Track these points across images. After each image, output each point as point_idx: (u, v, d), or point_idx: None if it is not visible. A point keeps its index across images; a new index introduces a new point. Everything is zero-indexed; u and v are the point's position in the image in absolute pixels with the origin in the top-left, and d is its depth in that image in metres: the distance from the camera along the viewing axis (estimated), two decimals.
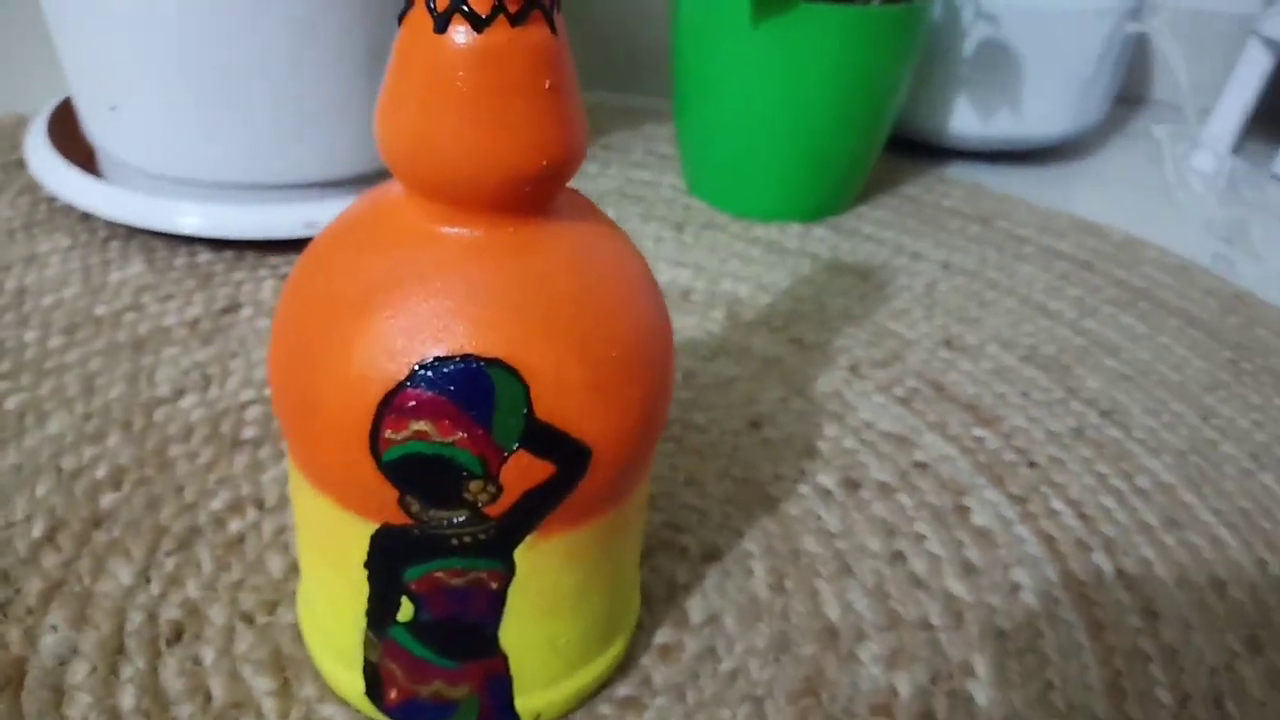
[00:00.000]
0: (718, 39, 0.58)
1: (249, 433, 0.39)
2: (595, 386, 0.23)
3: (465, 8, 0.21)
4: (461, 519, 0.24)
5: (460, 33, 0.21)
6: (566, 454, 0.23)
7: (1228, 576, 0.38)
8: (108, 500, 0.35)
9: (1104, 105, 0.74)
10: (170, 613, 0.32)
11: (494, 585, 0.25)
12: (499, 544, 0.24)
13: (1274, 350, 0.54)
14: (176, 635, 0.31)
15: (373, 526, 0.24)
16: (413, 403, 0.22)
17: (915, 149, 0.75)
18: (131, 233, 0.51)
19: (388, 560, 0.25)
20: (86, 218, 0.52)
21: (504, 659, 0.27)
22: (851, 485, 0.41)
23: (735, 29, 0.56)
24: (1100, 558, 0.38)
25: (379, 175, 0.54)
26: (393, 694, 0.28)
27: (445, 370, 0.22)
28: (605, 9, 0.80)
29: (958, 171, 0.73)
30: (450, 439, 0.22)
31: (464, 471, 0.23)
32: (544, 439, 0.23)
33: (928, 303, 0.55)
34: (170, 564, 0.33)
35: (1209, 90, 0.79)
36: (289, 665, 0.30)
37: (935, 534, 0.39)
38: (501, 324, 0.22)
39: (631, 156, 0.70)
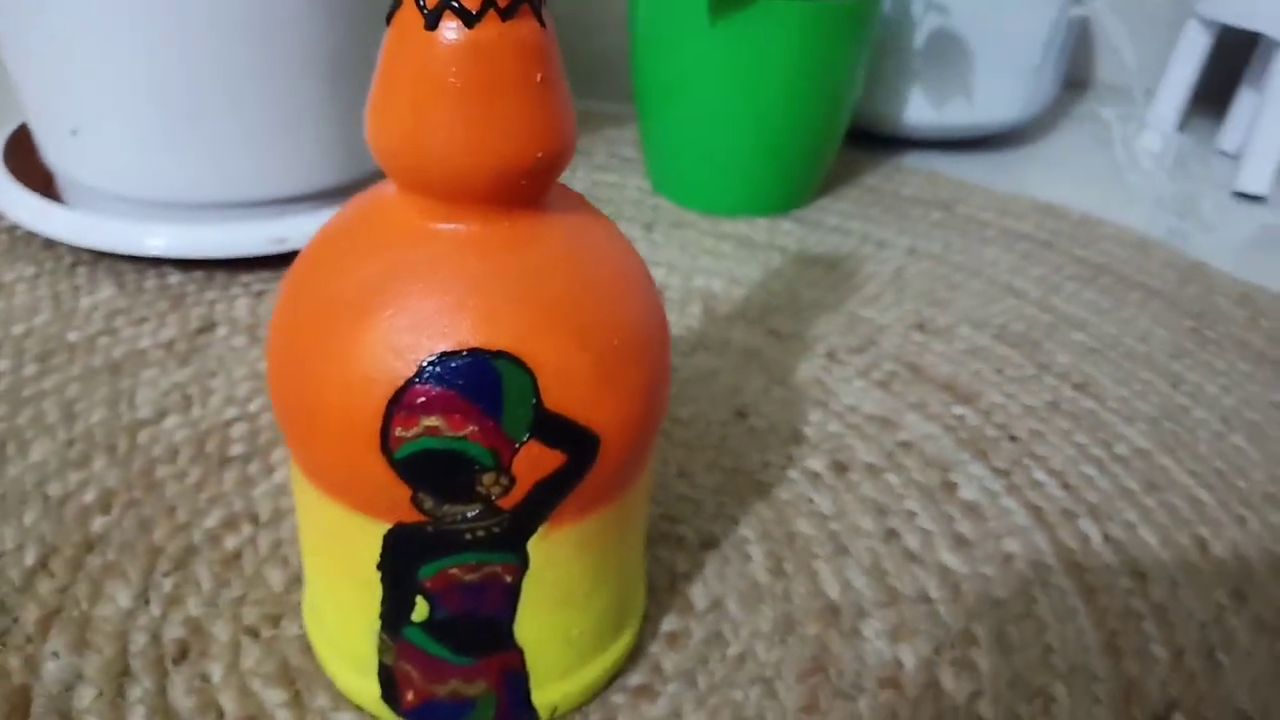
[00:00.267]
0: (677, 39, 0.59)
1: (236, 450, 0.39)
2: (600, 374, 0.24)
3: (455, 4, 0.21)
4: (474, 513, 0.24)
5: (451, 29, 0.21)
6: (576, 442, 0.24)
7: (1209, 534, 0.39)
8: (98, 524, 0.35)
9: (1052, 90, 0.76)
10: (173, 632, 0.31)
11: (508, 578, 0.25)
12: (512, 536, 0.25)
13: (1233, 317, 0.56)
14: (182, 654, 0.31)
15: (385, 527, 0.24)
16: (422, 399, 0.22)
17: (872, 141, 0.76)
18: (98, 257, 0.51)
19: (401, 560, 0.25)
20: (50, 244, 0.51)
21: (520, 653, 0.27)
22: (840, 468, 0.41)
23: (694, 29, 0.57)
24: (1086, 524, 0.39)
25: (346, 188, 0.53)
26: (409, 696, 0.28)
27: (453, 365, 0.22)
28: (563, 16, 0.81)
29: (914, 160, 0.75)
30: (462, 433, 0.22)
31: (476, 465, 0.23)
32: (553, 428, 0.23)
33: (897, 288, 0.56)
34: (168, 584, 0.33)
35: (1151, 71, 0.81)
36: (299, 677, 0.30)
37: (925, 510, 0.39)
38: (505, 316, 0.23)
39: (595, 160, 0.70)
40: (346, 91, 0.50)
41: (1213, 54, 0.79)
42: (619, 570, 0.28)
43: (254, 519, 0.36)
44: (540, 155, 0.23)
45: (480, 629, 0.26)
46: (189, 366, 0.43)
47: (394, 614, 0.26)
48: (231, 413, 0.41)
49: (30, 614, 0.31)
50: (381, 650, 0.27)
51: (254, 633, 0.32)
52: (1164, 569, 0.38)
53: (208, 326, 0.46)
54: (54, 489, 0.36)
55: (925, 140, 0.76)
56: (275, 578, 0.34)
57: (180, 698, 0.29)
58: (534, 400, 0.23)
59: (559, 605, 0.27)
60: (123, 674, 0.30)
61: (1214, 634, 0.35)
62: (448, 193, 0.23)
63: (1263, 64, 0.75)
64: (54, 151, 0.51)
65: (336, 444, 0.23)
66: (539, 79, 0.22)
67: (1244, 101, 0.77)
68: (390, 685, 0.28)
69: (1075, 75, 0.92)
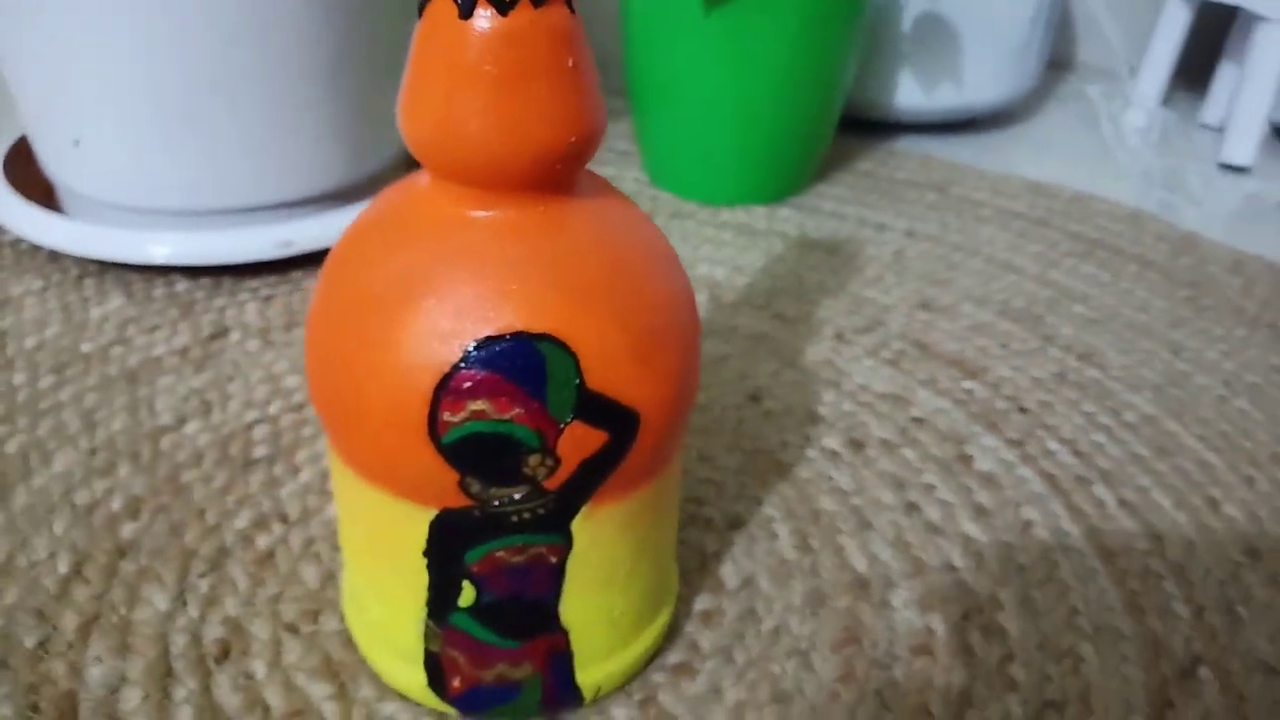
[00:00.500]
0: (670, 33, 0.59)
1: (260, 451, 0.39)
2: (638, 354, 0.24)
3: None
4: (521, 495, 0.24)
5: (484, 17, 0.21)
6: (617, 421, 0.24)
7: (1220, 495, 0.40)
8: (128, 530, 0.35)
9: (1038, 70, 0.77)
10: (214, 632, 0.31)
11: (553, 559, 0.26)
12: (557, 517, 0.25)
13: (1227, 285, 0.57)
14: (224, 653, 0.31)
15: (431, 513, 0.25)
16: (469, 383, 0.23)
17: (863, 126, 0.77)
18: (104, 267, 0.51)
19: (448, 545, 0.25)
20: (56, 257, 0.51)
21: (565, 634, 0.27)
22: (856, 445, 0.42)
23: (687, 22, 0.57)
24: (1100, 490, 0.40)
25: (350, 189, 0.54)
26: (456, 683, 0.28)
27: (497, 348, 0.23)
28: None
29: (906, 144, 0.75)
30: (508, 415, 0.23)
31: (523, 447, 0.23)
32: (596, 408, 0.24)
33: (898, 269, 0.57)
34: (204, 585, 0.33)
35: (1133, 48, 0.82)
36: (342, 670, 0.30)
37: (943, 483, 0.40)
38: (545, 300, 0.23)
39: None
40: (347, 92, 0.50)
41: (1193, 29, 0.80)
42: (657, 550, 0.29)
43: (284, 518, 0.36)
44: (574, 139, 0.23)
45: (526, 611, 0.27)
46: (205, 372, 0.44)
47: (440, 600, 0.26)
48: (252, 416, 0.41)
49: (69, 621, 0.32)
50: (427, 638, 0.27)
51: (294, 629, 0.32)
52: (1179, 530, 0.38)
53: (220, 332, 0.47)
54: (81, 497, 0.36)
55: (916, 124, 0.77)
56: (310, 574, 0.34)
57: (226, 696, 0.29)
58: (577, 381, 0.23)
59: (602, 585, 0.27)
60: (166, 675, 0.30)
61: (1232, 590, 0.36)
62: (484, 180, 0.23)
63: (1242, 37, 0.76)
64: (55, 163, 0.51)
65: (384, 432, 0.24)
66: (570, 64, 0.22)
67: (1225, 75, 0.78)
68: (436, 672, 0.28)
69: (1059, 56, 0.93)
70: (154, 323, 0.47)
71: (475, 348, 0.23)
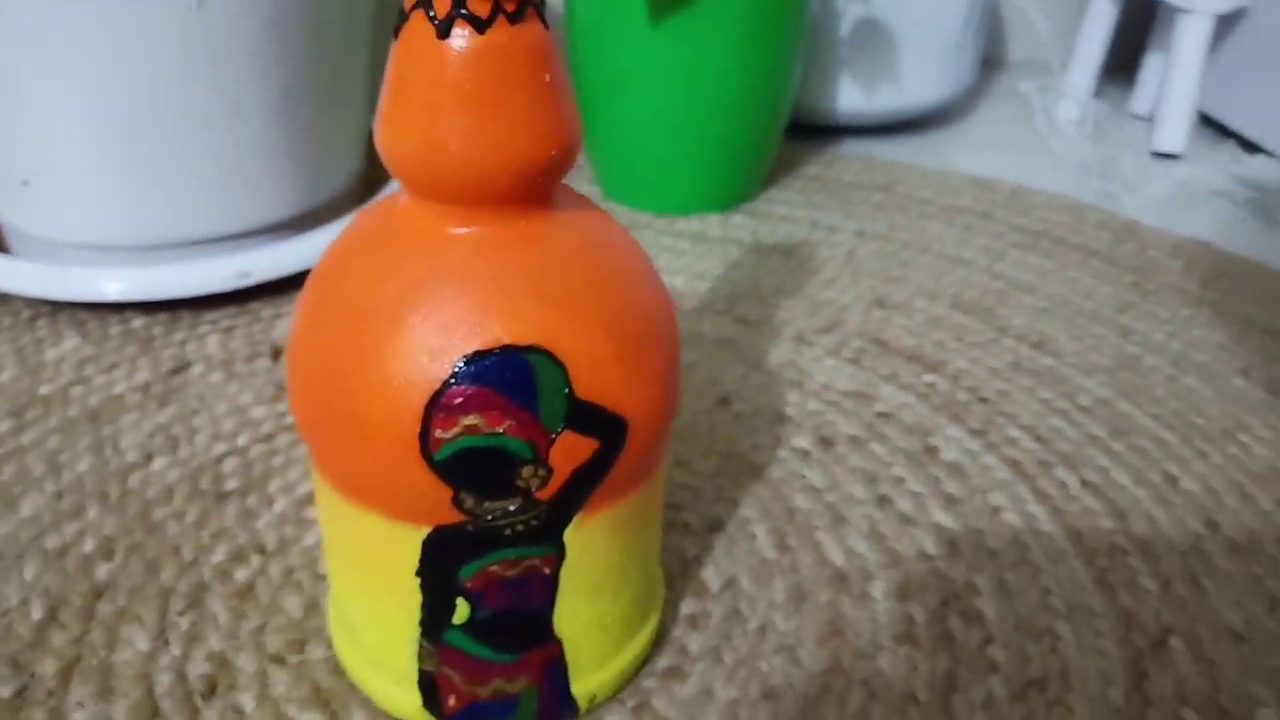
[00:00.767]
0: (615, 42, 0.60)
1: (231, 484, 0.39)
2: (624, 361, 0.24)
3: (466, 11, 0.21)
4: (514, 507, 0.24)
5: (462, 36, 0.22)
6: (607, 428, 0.24)
7: (1177, 470, 0.42)
8: (103, 571, 0.34)
9: (973, 69, 0.79)
10: (198, 668, 0.31)
11: (546, 570, 0.26)
12: (550, 528, 0.25)
13: (1169, 269, 0.59)
14: (210, 689, 0.30)
15: (424, 531, 0.25)
16: (460, 399, 0.23)
17: (807, 131, 0.78)
18: (57, 307, 0.50)
19: (441, 562, 0.25)
20: (5, 299, 0.50)
21: (559, 645, 0.28)
22: (826, 443, 0.43)
23: (632, 30, 0.58)
24: (1062, 472, 0.41)
25: (305, 217, 0.53)
26: (451, 701, 0.28)
27: (487, 362, 0.23)
28: None
29: (849, 147, 0.77)
30: (500, 428, 0.23)
31: (515, 459, 0.23)
32: (586, 417, 0.24)
33: (851, 269, 0.58)
34: (185, 622, 0.33)
35: (1063, 43, 0.84)
36: (332, 697, 0.30)
37: (912, 475, 0.41)
38: (531, 312, 0.23)
39: None
40: (299, 122, 0.50)
41: (1119, 22, 0.83)
42: (645, 555, 0.29)
43: (261, 549, 0.36)
44: (554, 152, 0.23)
45: (521, 624, 0.27)
46: (169, 407, 0.43)
47: (434, 619, 0.27)
48: (220, 449, 0.41)
49: (48, 667, 0.31)
50: (422, 657, 0.27)
51: (280, 660, 0.31)
52: (1140, 506, 0.40)
53: (182, 366, 0.46)
54: (51, 541, 0.36)
55: (857, 127, 0.78)
56: (292, 604, 0.33)
57: None
58: (567, 390, 0.23)
59: (594, 593, 0.27)
60: (153, 715, 0.30)
61: (1195, 561, 0.37)
62: (465, 196, 0.23)
63: (1165, 29, 0.79)
64: (3, 204, 0.50)
65: (375, 453, 0.24)
66: (547, 79, 0.23)
67: (1152, 66, 0.81)
68: (431, 692, 0.28)
69: (992, 54, 0.95)
70: (112, 361, 0.46)
71: (465, 363, 0.23)
